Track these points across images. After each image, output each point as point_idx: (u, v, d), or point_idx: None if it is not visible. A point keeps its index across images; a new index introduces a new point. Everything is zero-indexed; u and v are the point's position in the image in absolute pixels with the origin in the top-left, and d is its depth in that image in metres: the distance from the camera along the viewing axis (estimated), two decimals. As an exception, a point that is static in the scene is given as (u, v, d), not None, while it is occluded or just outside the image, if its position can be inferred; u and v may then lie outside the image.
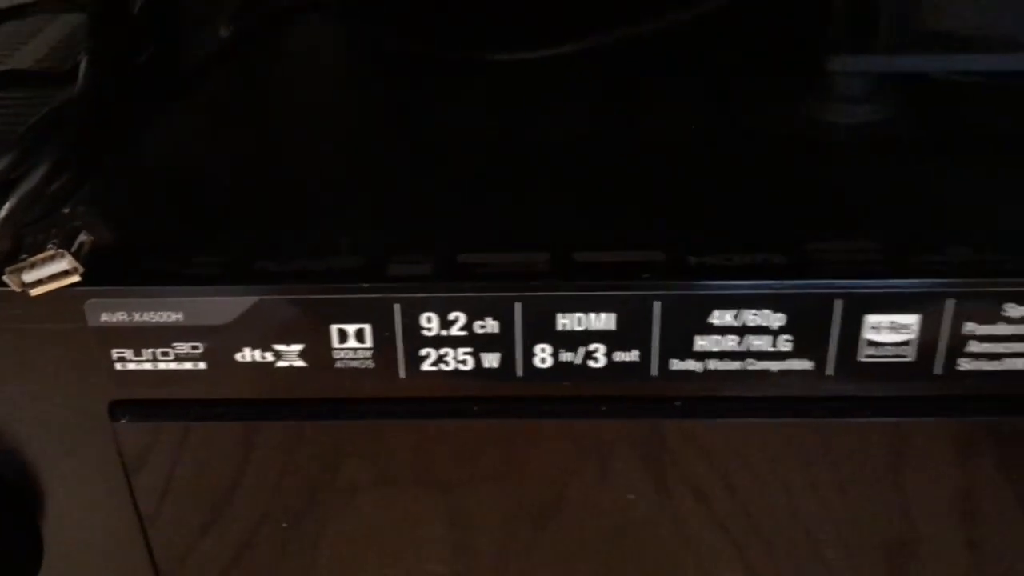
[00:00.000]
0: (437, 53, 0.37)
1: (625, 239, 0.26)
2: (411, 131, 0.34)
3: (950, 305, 0.25)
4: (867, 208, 0.28)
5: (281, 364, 0.26)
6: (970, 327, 0.25)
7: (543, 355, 0.26)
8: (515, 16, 0.39)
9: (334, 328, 0.26)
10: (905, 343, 0.25)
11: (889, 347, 0.25)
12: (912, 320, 0.25)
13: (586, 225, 0.27)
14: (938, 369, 0.26)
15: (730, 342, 0.26)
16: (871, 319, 0.25)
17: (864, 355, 0.25)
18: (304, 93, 0.36)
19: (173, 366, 0.26)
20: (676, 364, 0.26)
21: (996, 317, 0.25)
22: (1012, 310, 0.25)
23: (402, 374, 0.26)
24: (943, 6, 0.32)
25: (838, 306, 0.25)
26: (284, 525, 0.28)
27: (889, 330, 0.25)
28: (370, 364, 0.26)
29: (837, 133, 0.32)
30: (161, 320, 0.26)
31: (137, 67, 0.29)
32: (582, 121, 0.33)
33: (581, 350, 0.26)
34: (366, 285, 0.25)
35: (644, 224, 0.27)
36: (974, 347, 0.25)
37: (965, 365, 0.26)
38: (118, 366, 0.26)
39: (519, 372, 0.26)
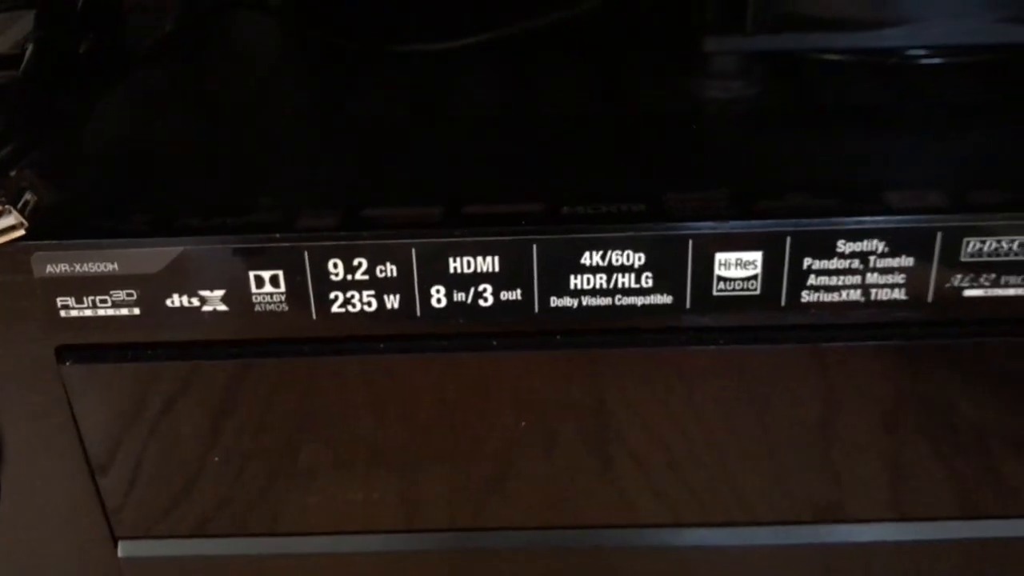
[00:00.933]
0: (361, 45, 0.41)
1: (510, 194, 0.30)
2: (332, 112, 0.37)
3: (788, 243, 0.28)
4: (726, 167, 0.32)
5: (206, 308, 0.29)
6: (808, 262, 0.29)
7: (438, 296, 0.29)
8: (431, 11, 0.43)
9: (252, 275, 0.29)
10: (752, 278, 0.29)
11: (738, 281, 0.29)
12: (756, 257, 0.29)
13: (478, 184, 0.31)
14: (783, 301, 0.29)
15: (600, 280, 0.29)
16: (720, 256, 0.29)
17: (717, 289, 0.29)
18: (236, 80, 0.40)
19: (111, 312, 0.29)
20: (555, 301, 0.29)
21: (831, 253, 0.29)
22: (843, 246, 0.29)
23: (314, 316, 0.29)
24: (804, -8, 0.36)
25: (690, 245, 0.29)
26: (216, 459, 0.32)
27: (736, 266, 0.29)
28: (284, 307, 0.29)
29: (712, 106, 0.36)
30: (99, 270, 0.29)
31: (80, 55, 0.33)
32: (487, 101, 0.37)
33: (471, 290, 0.29)
34: (278, 235, 0.28)
35: (529, 183, 0.31)
36: (813, 280, 0.29)
37: (807, 297, 0.29)
38: (62, 313, 0.29)
39: (418, 312, 0.29)
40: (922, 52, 0.37)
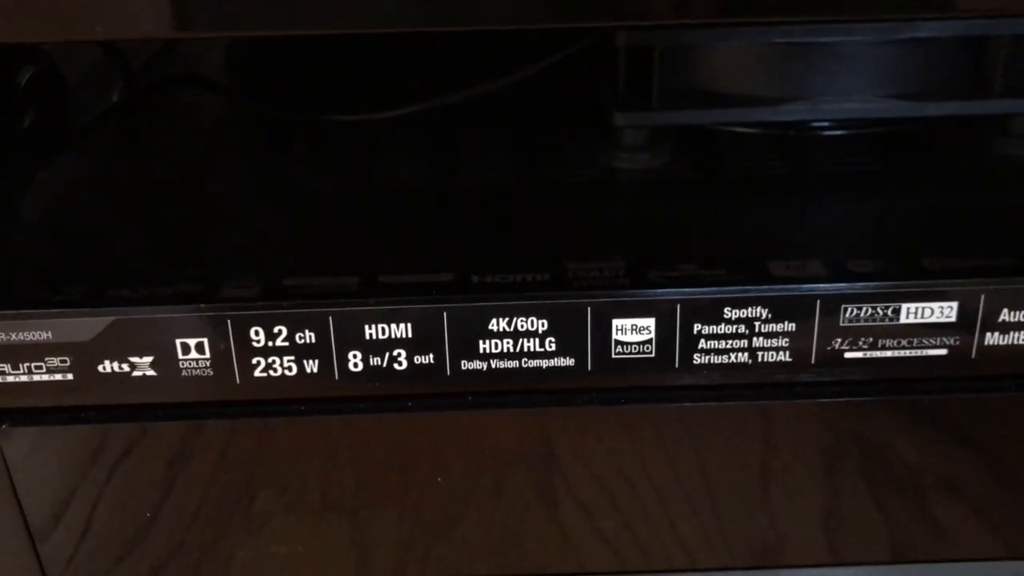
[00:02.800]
0: (296, 116, 0.43)
1: (424, 264, 0.32)
2: (264, 183, 0.39)
3: (679, 310, 0.31)
4: (628, 237, 0.34)
5: (136, 373, 0.31)
6: (698, 328, 0.31)
7: (355, 360, 0.31)
8: (361, 85, 0.45)
9: (178, 342, 0.31)
10: (647, 342, 0.31)
11: (634, 345, 0.31)
12: (649, 323, 0.31)
13: (394, 254, 0.33)
14: (677, 363, 0.31)
15: (507, 344, 0.31)
16: (617, 323, 0.31)
17: (615, 353, 0.31)
18: (173, 152, 0.42)
19: (46, 377, 0.31)
20: (465, 364, 0.31)
21: (719, 319, 0.31)
22: (730, 313, 0.31)
23: (237, 380, 0.31)
24: (706, 71, 0.38)
25: (589, 312, 0.31)
26: (148, 515, 0.33)
27: (632, 331, 0.31)
28: (210, 372, 0.31)
29: (624, 177, 0.38)
30: (34, 338, 0.31)
31: (22, 129, 0.35)
32: (409, 170, 0.39)
33: (386, 355, 0.31)
34: (203, 305, 0.30)
35: (443, 253, 0.33)
36: (703, 344, 0.31)
37: (698, 359, 0.31)
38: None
39: (336, 376, 0.31)
40: (818, 125, 0.40)
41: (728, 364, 0.31)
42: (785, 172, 0.38)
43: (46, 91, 0.37)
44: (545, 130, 0.41)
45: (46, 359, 0.31)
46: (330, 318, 0.31)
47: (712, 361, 0.31)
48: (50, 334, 0.31)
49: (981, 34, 0.37)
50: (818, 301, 0.30)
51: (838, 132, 0.39)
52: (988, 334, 0.31)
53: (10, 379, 0.31)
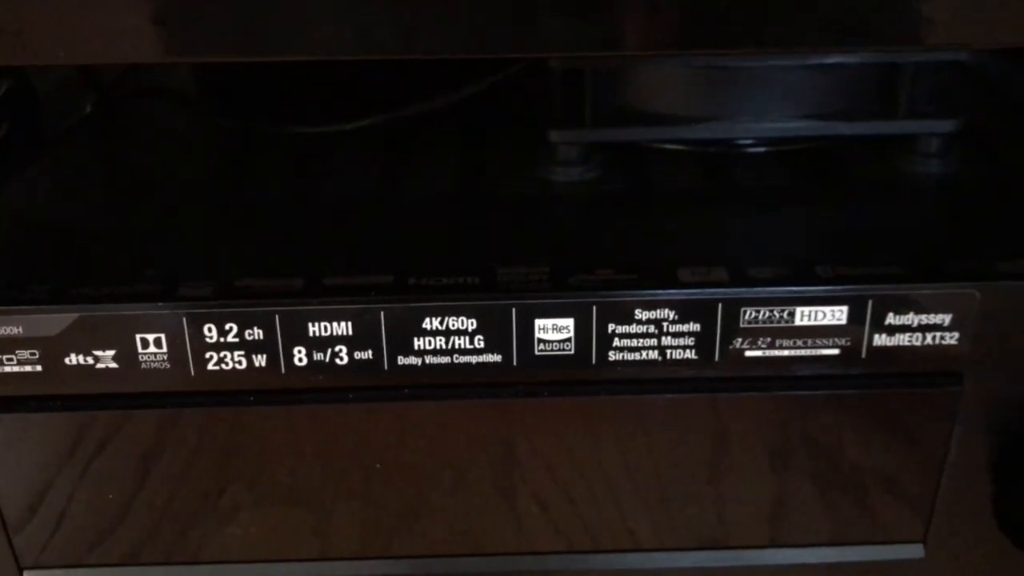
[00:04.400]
0: (261, 128, 0.46)
1: (365, 268, 0.35)
2: (221, 190, 0.42)
3: (595, 311, 0.34)
4: (555, 243, 0.37)
5: (99, 366, 0.34)
6: (612, 327, 0.34)
7: (300, 355, 0.34)
8: (318, 100, 0.48)
9: (138, 337, 0.34)
10: (567, 340, 0.34)
11: (555, 343, 0.34)
12: (568, 323, 0.34)
13: (338, 258, 0.36)
14: (594, 360, 0.34)
15: (439, 342, 0.34)
16: (539, 322, 0.34)
17: (538, 350, 0.34)
18: (138, 162, 0.45)
19: (16, 369, 0.34)
20: (401, 360, 0.34)
21: (631, 320, 0.34)
22: (640, 314, 0.34)
23: (192, 372, 0.34)
24: (635, 90, 0.41)
25: (514, 313, 0.34)
26: (110, 496, 0.36)
27: (553, 330, 0.34)
28: (167, 365, 0.34)
29: (556, 189, 0.41)
30: (5, 333, 0.33)
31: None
32: (357, 181, 0.42)
33: (328, 351, 0.34)
34: (160, 304, 0.33)
35: (383, 258, 0.36)
36: (617, 342, 0.34)
37: (613, 356, 0.34)
38: (-28, 370, 0.34)
39: (282, 369, 0.34)
40: (739, 143, 0.43)
41: (640, 361, 0.34)
42: (705, 186, 0.41)
43: (20, 104, 0.39)
44: (487, 145, 0.44)
45: (16, 352, 0.34)
46: (277, 316, 0.34)
47: (625, 358, 0.34)
48: (20, 329, 0.33)
49: (887, 62, 0.41)
50: (720, 304, 0.34)
51: (757, 149, 0.42)
52: (876, 335, 0.34)
53: (-17, 371, 0.34)
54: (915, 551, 0.38)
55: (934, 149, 0.42)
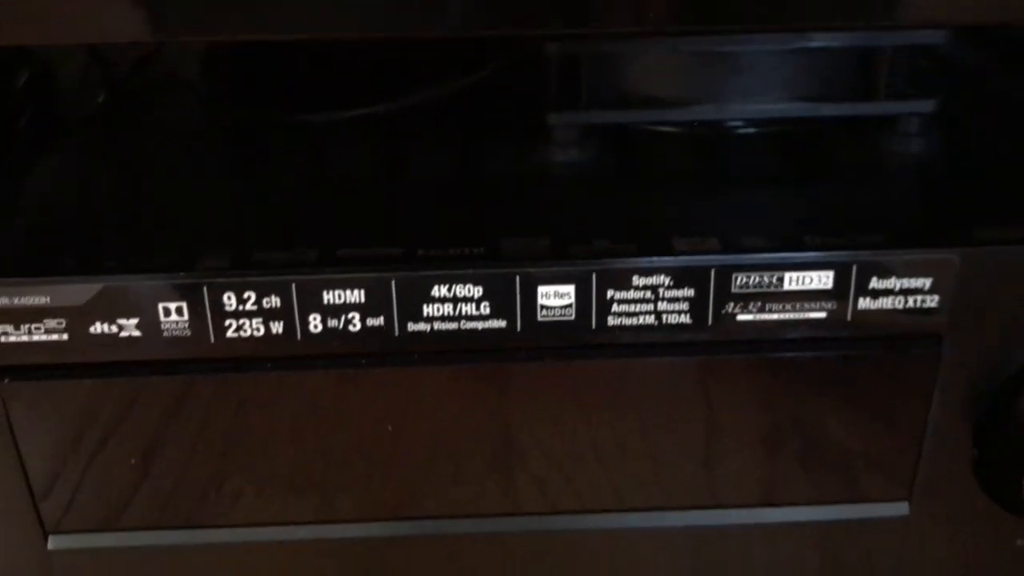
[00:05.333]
0: (270, 116, 0.48)
1: (376, 240, 0.37)
2: (234, 172, 0.44)
3: (594, 278, 0.35)
4: (555, 217, 0.39)
5: (123, 334, 0.36)
6: (611, 293, 0.36)
7: (315, 323, 0.36)
8: (324, 89, 0.50)
9: (160, 306, 0.35)
10: (568, 306, 0.36)
11: (557, 309, 0.36)
12: (569, 289, 0.36)
13: (351, 232, 0.38)
14: (593, 324, 0.36)
15: (447, 309, 0.36)
16: (542, 289, 0.36)
17: (541, 316, 0.36)
18: (155, 147, 0.47)
19: (44, 338, 0.36)
20: (411, 326, 0.36)
21: (628, 286, 0.36)
22: (638, 280, 0.36)
23: (212, 340, 0.36)
24: (629, 75, 0.43)
25: (518, 281, 0.36)
26: (133, 461, 0.38)
27: (555, 297, 0.36)
28: (188, 332, 0.36)
29: (555, 169, 0.43)
30: (34, 303, 0.35)
31: (20, 126, 0.39)
32: (366, 164, 0.44)
33: (342, 318, 0.36)
34: (182, 274, 0.35)
35: (393, 231, 0.38)
36: (615, 308, 0.36)
37: (612, 321, 0.36)
38: (2, 339, 0.35)
39: (298, 336, 0.36)
40: (729, 124, 0.45)
41: (637, 325, 0.36)
42: (697, 166, 0.43)
43: (40, 93, 0.41)
44: (488, 129, 0.46)
45: (44, 321, 0.35)
46: (293, 285, 0.35)
47: (623, 323, 0.36)
48: (48, 299, 0.35)
49: (868, 45, 0.43)
50: (713, 271, 0.35)
51: (745, 130, 0.44)
52: (860, 299, 0.36)
53: (12, 339, 0.35)
54: (900, 509, 0.40)
55: (913, 129, 0.44)
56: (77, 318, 0.35)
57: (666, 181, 0.42)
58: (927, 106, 0.43)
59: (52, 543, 0.39)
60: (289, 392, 0.37)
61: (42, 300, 0.35)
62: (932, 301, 0.36)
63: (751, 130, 0.45)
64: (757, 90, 0.43)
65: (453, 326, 0.36)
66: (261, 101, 0.48)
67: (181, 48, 0.53)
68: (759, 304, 0.36)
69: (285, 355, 0.36)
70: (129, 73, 0.50)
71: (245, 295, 0.35)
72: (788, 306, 0.36)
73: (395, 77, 0.49)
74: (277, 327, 0.36)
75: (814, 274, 0.36)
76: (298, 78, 0.50)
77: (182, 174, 0.44)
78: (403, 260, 0.36)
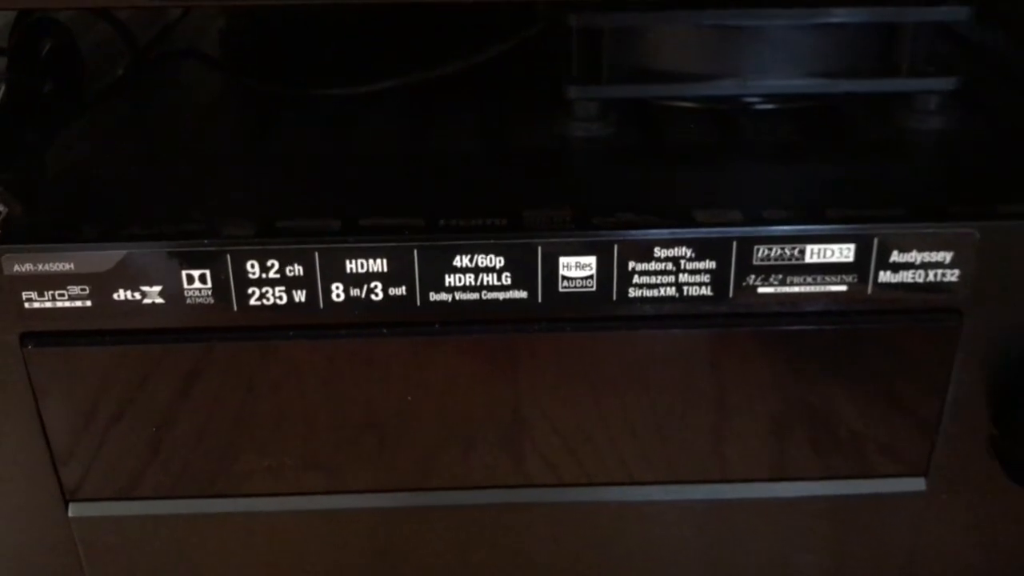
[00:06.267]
0: (285, 89, 0.48)
1: (399, 211, 0.37)
2: (258, 144, 0.44)
3: (616, 250, 0.36)
4: (576, 190, 0.39)
5: (146, 301, 0.36)
6: (632, 265, 0.36)
7: (337, 291, 0.36)
8: (347, 61, 0.50)
9: (184, 273, 0.35)
10: (589, 277, 0.36)
11: (578, 280, 0.36)
12: (591, 261, 0.36)
13: (374, 202, 0.38)
14: (615, 296, 0.36)
15: (469, 279, 0.36)
16: (563, 260, 0.36)
17: (562, 287, 0.36)
18: (176, 117, 0.47)
19: (67, 304, 0.36)
20: (433, 296, 0.36)
21: (650, 258, 0.36)
22: (659, 252, 0.36)
23: (235, 308, 0.36)
24: (649, 50, 0.43)
25: (539, 252, 0.36)
26: (154, 429, 0.38)
27: (576, 268, 0.36)
28: (211, 300, 0.36)
29: (575, 143, 0.43)
30: (58, 269, 0.35)
31: (43, 94, 0.39)
32: (389, 136, 0.44)
33: (364, 287, 0.36)
34: (206, 241, 0.35)
35: (416, 202, 0.38)
36: (637, 279, 0.36)
37: (633, 293, 0.36)
38: (26, 305, 0.36)
39: (320, 305, 0.36)
40: (749, 100, 0.45)
41: (658, 297, 0.36)
42: (717, 141, 0.43)
43: (64, 62, 0.41)
44: (509, 103, 0.46)
45: (68, 287, 0.36)
46: (316, 254, 0.35)
47: (645, 295, 0.36)
48: (72, 265, 0.35)
49: (890, 21, 0.43)
50: (734, 242, 0.35)
51: (764, 106, 0.44)
52: (881, 272, 0.36)
53: (36, 305, 0.36)
54: (917, 484, 0.40)
55: (933, 106, 0.44)
56: (101, 285, 0.35)
57: (687, 155, 0.42)
58: (949, 84, 0.43)
59: (72, 510, 0.40)
60: (311, 361, 0.37)
61: (66, 267, 0.35)
62: (952, 275, 0.36)
63: (771, 106, 0.45)
64: (777, 66, 0.43)
65: (475, 296, 0.36)
66: (281, 74, 0.48)
67: (201, 20, 0.53)
68: (780, 277, 0.36)
69: (307, 324, 0.36)
70: (150, 44, 0.50)
71: (268, 263, 0.35)
72: (809, 279, 0.36)
73: (416, 51, 0.49)
74: (300, 296, 0.36)
75: (835, 247, 0.36)
76: (318, 52, 0.50)
77: (204, 144, 0.44)
78: (426, 230, 0.36)
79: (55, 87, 0.40)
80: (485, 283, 0.36)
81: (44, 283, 0.35)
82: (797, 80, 0.43)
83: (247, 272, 0.36)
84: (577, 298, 0.36)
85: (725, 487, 0.40)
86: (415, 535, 0.41)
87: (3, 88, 0.36)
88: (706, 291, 0.36)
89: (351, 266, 0.36)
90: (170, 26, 0.52)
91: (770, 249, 0.36)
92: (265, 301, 0.36)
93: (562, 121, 0.44)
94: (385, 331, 0.37)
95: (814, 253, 0.36)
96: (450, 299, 0.36)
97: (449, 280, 0.36)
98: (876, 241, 0.36)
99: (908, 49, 0.43)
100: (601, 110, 0.43)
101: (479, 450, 0.39)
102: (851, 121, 0.44)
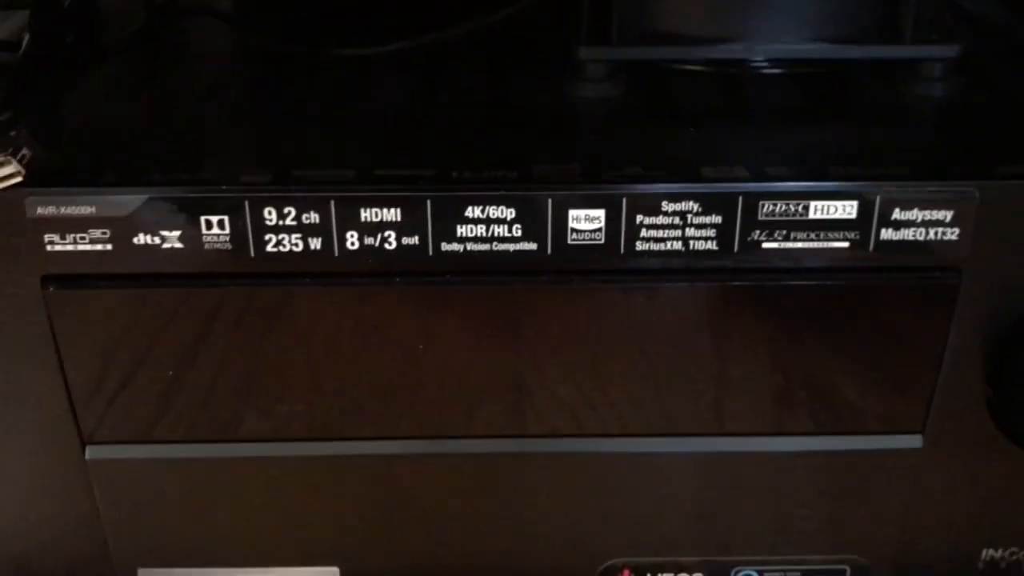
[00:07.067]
0: (298, 48, 0.48)
1: (413, 162, 0.38)
2: (273, 100, 0.45)
3: (624, 203, 0.36)
4: (586, 146, 0.40)
5: (166, 246, 0.37)
6: (640, 218, 0.37)
7: (352, 239, 0.37)
8: (358, 21, 0.51)
9: (202, 219, 0.36)
10: (598, 230, 0.37)
11: (587, 233, 0.37)
12: (600, 214, 0.37)
13: (387, 155, 0.39)
14: (622, 249, 0.37)
15: (480, 230, 0.37)
16: (572, 213, 0.37)
17: (571, 239, 0.37)
18: (193, 70, 0.48)
19: (88, 247, 0.37)
20: (445, 246, 0.37)
21: (657, 212, 0.37)
22: (667, 206, 0.37)
23: (252, 254, 0.37)
24: (659, 13, 0.44)
25: (549, 204, 0.36)
26: (170, 373, 0.39)
27: (585, 221, 0.37)
28: (229, 246, 0.37)
29: (585, 103, 0.44)
30: (80, 212, 0.36)
31: (65, 45, 0.40)
32: (401, 94, 0.45)
33: (378, 236, 0.37)
34: (224, 188, 0.36)
35: (428, 155, 0.39)
36: (644, 233, 0.37)
37: (640, 246, 0.37)
38: (48, 247, 0.37)
39: (335, 252, 0.37)
40: (756, 64, 0.45)
41: (665, 251, 0.37)
42: (724, 103, 0.44)
43: (83, 15, 0.42)
44: (521, 65, 0.47)
45: (89, 231, 0.36)
46: (332, 202, 0.36)
47: (652, 248, 0.37)
48: (93, 209, 0.36)
49: (894, -10, 0.44)
50: (740, 197, 0.36)
51: (771, 71, 0.45)
52: (883, 230, 0.37)
53: (58, 248, 0.37)
54: (913, 441, 0.41)
55: (936, 74, 0.44)
56: (121, 228, 0.36)
57: (694, 116, 0.43)
58: (950, 51, 0.44)
59: (89, 453, 0.41)
60: (325, 307, 0.38)
61: (88, 210, 0.36)
62: (952, 234, 0.37)
63: (776, 71, 0.46)
64: (784, 31, 0.44)
65: (486, 247, 0.37)
66: (293, 33, 0.49)
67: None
68: (784, 232, 0.37)
69: (322, 271, 0.37)
70: (165, 2, 0.51)
71: (285, 210, 0.36)
72: (812, 235, 0.37)
73: (429, 11, 0.50)
74: (315, 243, 0.37)
75: (839, 203, 0.37)
76: (329, 11, 0.51)
77: (220, 98, 0.45)
78: (439, 180, 0.37)
79: (76, 38, 0.41)
80: (496, 234, 0.37)
81: (66, 226, 0.36)
82: (804, 45, 0.44)
83: (264, 219, 0.36)
84: (585, 250, 0.37)
85: (725, 440, 0.41)
86: (421, 481, 0.42)
87: (28, 38, 0.37)
88: (711, 245, 0.37)
89: (366, 215, 0.37)
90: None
91: (775, 205, 0.36)
92: (281, 248, 0.37)
93: (572, 82, 0.44)
94: (398, 280, 0.38)
95: (818, 209, 0.37)
96: (461, 249, 0.37)
97: (461, 231, 0.37)
98: (878, 199, 0.36)
99: (911, 17, 0.44)
100: (611, 71, 0.44)
101: (486, 398, 0.40)
102: (855, 86, 0.45)
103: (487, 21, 0.46)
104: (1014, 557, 0.44)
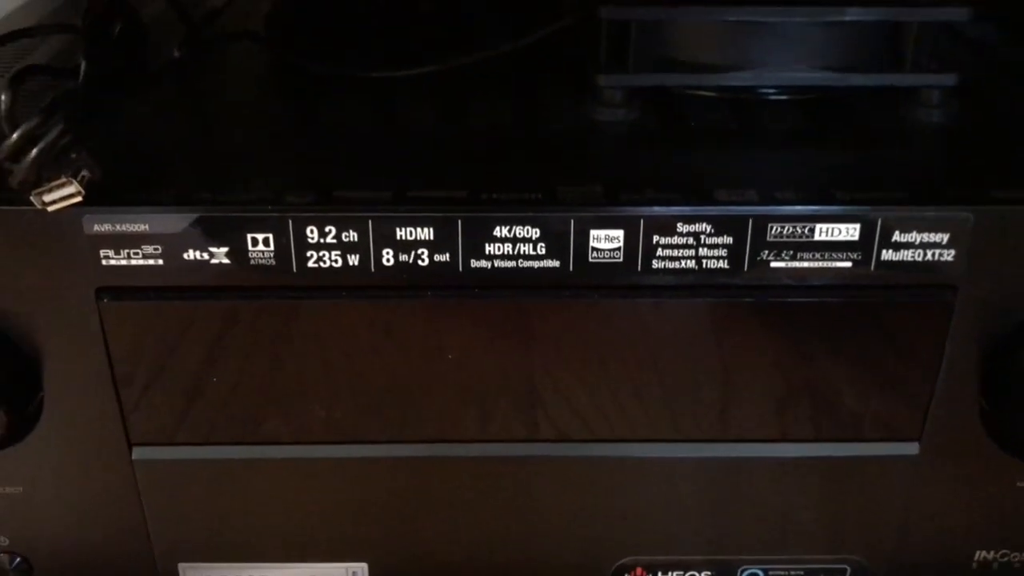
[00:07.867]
0: (333, 70, 0.51)
1: (444, 184, 0.40)
2: (312, 122, 0.47)
3: (642, 224, 0.39)
4: (605, 169, 0.42)
5: (214, 261, 0.39)
6: (656, 238, 0.39)
7: (387, 256, 0.39)
8: (391, 46, 0.53)
9: (248, 236, 0.39)
10: (617, 249, 0.39)
11: (607, 252, 0.39)
12: (619, 234, 0.39)
13: (420, 177, 0.41)
14: (640, 267, 0.40)
15: (507, 248, 0.39)
16: (594, 233, 0.39)
17: (592, 257, 0.40)
18: (236, 94, 0.50)
19: (141, 262, 0.39)
20: (474, 263, 0.40)
21: (673, 232, 0.39)
22: (681, 227, 0.39)
23: (294, 269, 0.39)
24: (673, 42, 0.47)
25: (572, 224, 0.39)
26: (215, 379, 0.41)
27: (605, 240, 0.39)
28: (273, 262, 0.39)
29: (603, 127, 0.46)
30: (134, 230, 0.39)
31: (116, 70, 0.43)
32: (431, 117, 0.47)
33: (412, 253, 0.39)
34: (270, 207, 0.39)
35: (459, 177, 0.41)
36: (660, 252, 0.40)
37: (656, 264, 0.40)
38: (103, 262, 0.39)
39: (372, 268, 0.40)
40: (765, 90, 0.48)
41: (679, 269, 0.40)
42: (734, 128, 0.46)
43: (131, 42, 0.45)
44: (542, 89, 0.50)
45: (142, 247, 0.39)
46: (370, 222, 0.39)
47: (667, 266, 0.40)
48: (146, 226, 0.39)
49: (896, 21, 0.46)
50: (750, 220, 0.39)
51: (779, 97, 0.48)
52: (884, 251, 0.39)
53: (112, 262, 0.39)
54: (910, 448, 0.44)
55: (936, 101, 0.47)
56: (172, 245, 0.39)
57: (706, 141, 0.45)
58: (949, 79, 0.46)
59: (136, 454, 0.43)
60: (361, 319, 0.41)
61: (142, 227, 0.39)
62: (948, 255, 0.40)
63: (784, 97, 0.48)
64: (792, 59, 0.46)
65: (512, 264, 0.40)
66: (328, 57, 0.52)
67: (247, 3, 0.56)
68: (791, 252, 0.39)
69: (360, 285, 0.40)
70: (202, 24, 0.53)
71: (326, 229, 0.39)
72: (817, 255, 0.39)
73: (454, 38, 0.52)
74: (354, 259, 0.39)
75: (842, 226, 0.39)
76: (360, 36, 0.54)
77: (259, 120, 0.48)
78: (469, 201, 0.39)
79: (124, 63, 0.44)
80: (521, 252, 0.39)
81: (121, 242, 0.39)
82: (810, 73, 0.47)
83: (307, 237, 0.39)
84: (605, 268, 0.40)
85: (733, 446, 0.44)
86: (446, 483, 0.45)
87: (84, 65, 0.40)
88: (723, 264, 0.40)
89: (401, 234, 0.39)
90: (218, 11, 0.56)
91: (783, 227, 0.39)
92: (322, 264, 0.39)
93: (590, 107, 0.47)
94: (430, 294, 0.40)
95: (823, 231, 0.39)
96: (490, 266, 0.40)
97: (489, 249, 0.39)
98: (880, 222, 0.39)
99: (912, 46, 0.46)
100: (627, 97, 0.47)
101: (510, 405, 0.42)
102: (859, 113, 0.48)
103: (512, 47, 0.49)
104: (1005, 558, 0.47)
